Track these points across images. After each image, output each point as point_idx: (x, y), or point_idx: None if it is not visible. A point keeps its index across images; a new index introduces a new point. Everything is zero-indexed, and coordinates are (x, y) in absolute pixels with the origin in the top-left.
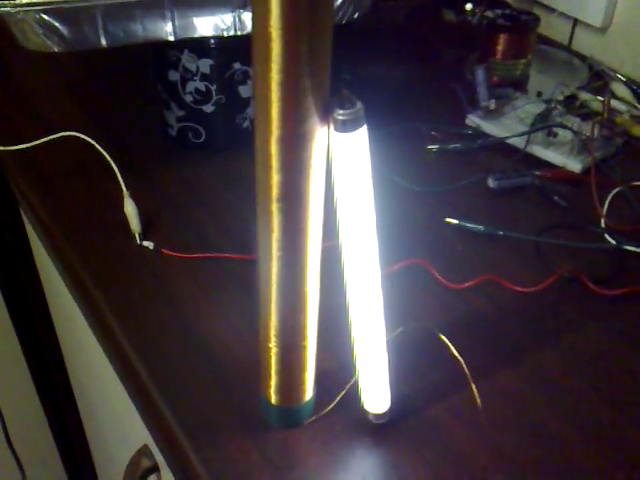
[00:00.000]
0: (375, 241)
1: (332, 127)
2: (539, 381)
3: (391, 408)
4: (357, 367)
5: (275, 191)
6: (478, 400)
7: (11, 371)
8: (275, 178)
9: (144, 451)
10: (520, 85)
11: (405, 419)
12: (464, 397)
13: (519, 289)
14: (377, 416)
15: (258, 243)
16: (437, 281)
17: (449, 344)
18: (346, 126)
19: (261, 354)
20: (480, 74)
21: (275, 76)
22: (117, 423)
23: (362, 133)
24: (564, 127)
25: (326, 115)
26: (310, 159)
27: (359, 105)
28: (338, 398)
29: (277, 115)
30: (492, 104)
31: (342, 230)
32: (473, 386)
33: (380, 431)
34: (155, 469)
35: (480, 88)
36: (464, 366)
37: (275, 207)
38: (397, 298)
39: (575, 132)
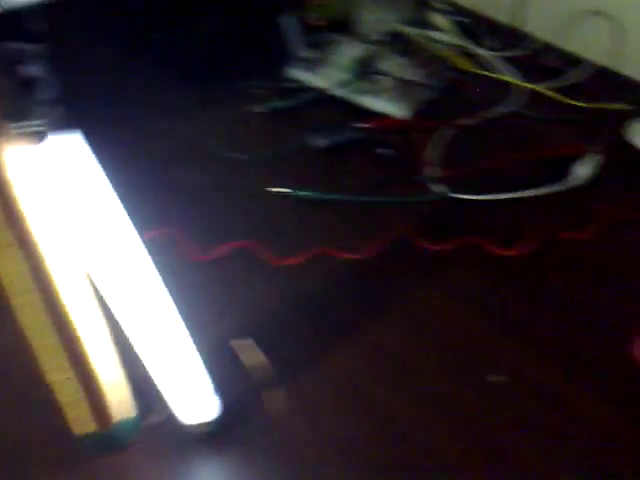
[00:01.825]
0: (137, 244)
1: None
2: (373, 355)
3: (218, 417)
4: (157, 378)
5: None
6: (279, 404)
7: None
8: None
9: None
10: (344, 27)
11: (233, 424)
12: (292, 391)
13: (350, 256)
14: (201, 426)
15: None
16: (265, 262)
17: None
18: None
19: (50, 387)
20: (287, 21)
21: None
22: None
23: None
24: (385, 71)
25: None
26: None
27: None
28: (153, 417)
29: None
30: (310, 53)
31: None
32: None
33: (209, 442)
34: None
35: (290, 37)
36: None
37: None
38: (221, 287)
39: (398, 75)
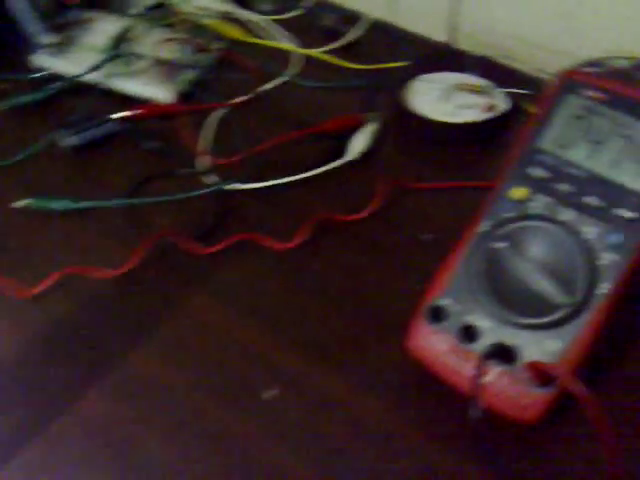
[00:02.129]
0: None
1: None
2: (135, 392)
3: None
4: None
5: None
6: None
7: None
8: None
9: None
10: (101, 2)
11: None
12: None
13: (105, 275)
14: None
15: None
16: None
17: None
18: None
19: None
20: (16, 2)
21: None
22: None
23: None
24: (139, 53)
25: None
26: None
27: None
28: None
29: None
30: (53, 36)
31: None
32: None
33: None
34: None
35: (24, 19)
36: None
37: None
38: None
39: (154, 56)
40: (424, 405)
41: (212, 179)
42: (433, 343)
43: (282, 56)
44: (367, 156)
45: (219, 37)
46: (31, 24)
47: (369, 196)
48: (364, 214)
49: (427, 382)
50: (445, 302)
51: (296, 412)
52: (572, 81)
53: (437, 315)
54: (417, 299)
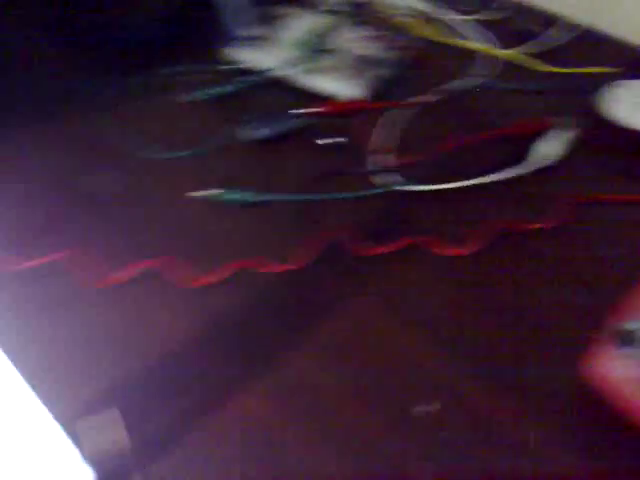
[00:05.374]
0: None
1: None
2: (291, 393)
3: None
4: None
5: None
6: None
7: None
8: None
9: None
10: None
11: None
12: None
13: (278, 269)
14: None
15: None
16: (176, 283)
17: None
18: None
19: None
20: None
21: None
22: None
23: None
24: (334, 50)
25: None
26: None
27: None
28: None
29: None
30: (256, 30)
31: None
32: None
33: None
34: None
35: (229, 13)
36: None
37: None
38: (121, 317)
39: (348, 52)
40: (597, 437)
41: (387, 179)
42: (620, 369)
43: (474, 57)
44: (552, 163)
45: (413, 36)
46: (232, 17)
47: (551, 207)
48: (544, 226)
49: (605, 411)
50: (638, 326)
51: (450, 430)
52: None
53: (628, 339)
54: (599, 320)
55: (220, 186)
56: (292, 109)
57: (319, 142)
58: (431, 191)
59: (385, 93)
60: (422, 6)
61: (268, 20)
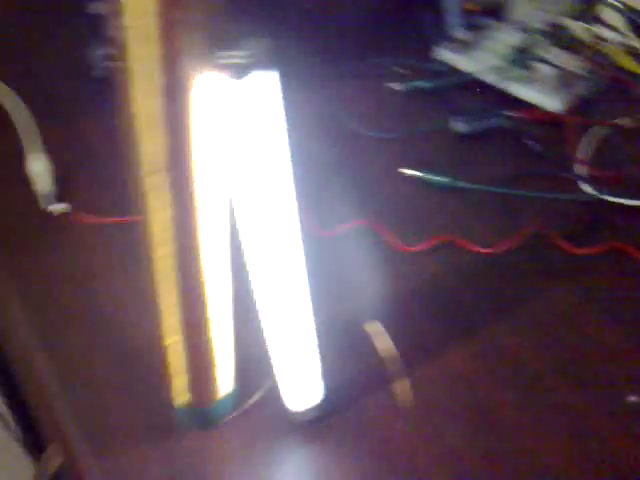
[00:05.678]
0: (294, 208)
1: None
2: (493, 359)
3: (321, 403)
4: (275, 356)
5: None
6: (407, 394)
7: None
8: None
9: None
10: (499, 13)
11: (335, 415)
12: (404, 387)
13: (480, 250)
14: (304, 412)
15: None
16: (387, 244)
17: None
18: (235, 71)
19: (161, 351)
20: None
21: None
22: None
23: (263, 80)
24: (543, 61)
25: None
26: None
27: (252, 48)
28: (257, 396)
29: None
30: (464, 35)
31: (242, 196)
32: (398, 386)
33: (307, 429)
34: None
35: (450, 16)
36: (394, 361)
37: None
38: (339, 267)
39: (557, 66)
40: None
41: (588, 188)
42: None
43: None
44: None
45: (614, 65)
46: (452, 20)
47: None
48: None
49: None
50: None
51: None
52: None
53: None
54: None
55: (426, 168)
56: (495, 109)
57: (525, 141)
58: (630, 205)
59: (583, 110)
60: (626, 40)
61: (476, 29)
